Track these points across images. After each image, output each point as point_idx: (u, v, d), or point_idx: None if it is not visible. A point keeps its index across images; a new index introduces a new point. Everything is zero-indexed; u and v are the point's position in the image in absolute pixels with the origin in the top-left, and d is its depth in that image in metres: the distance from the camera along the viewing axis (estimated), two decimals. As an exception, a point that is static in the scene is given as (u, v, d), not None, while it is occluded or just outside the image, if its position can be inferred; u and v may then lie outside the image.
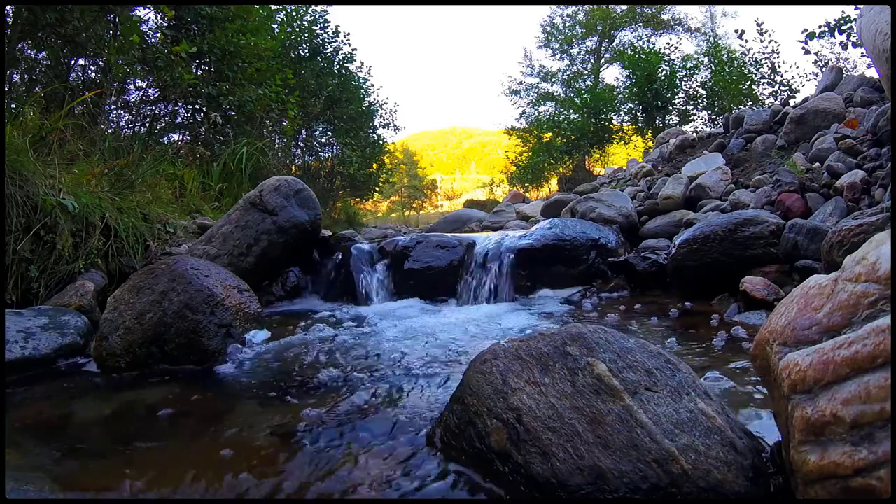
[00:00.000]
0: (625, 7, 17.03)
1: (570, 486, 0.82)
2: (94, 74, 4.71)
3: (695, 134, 6.69)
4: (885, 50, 2.13)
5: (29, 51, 4.31)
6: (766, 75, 9.99)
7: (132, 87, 5.04)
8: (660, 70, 11.87)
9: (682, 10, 17.49)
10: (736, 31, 9.84)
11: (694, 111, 12.22)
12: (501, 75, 43.14)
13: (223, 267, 2.26)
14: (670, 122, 12.22)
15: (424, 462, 1.01)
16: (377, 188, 12.07)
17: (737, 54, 11.10)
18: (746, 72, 10.48)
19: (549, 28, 18.15)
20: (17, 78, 4.19)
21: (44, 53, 4.42)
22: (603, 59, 17.83)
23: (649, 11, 17.12)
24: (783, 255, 2.22)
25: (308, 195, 3.06)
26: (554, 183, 13.63)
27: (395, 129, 12.25)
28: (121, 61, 4.28)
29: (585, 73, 17.55)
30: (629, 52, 13.62)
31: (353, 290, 2.90)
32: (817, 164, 3.06)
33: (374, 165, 11.49)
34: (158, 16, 4.95)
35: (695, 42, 16.80)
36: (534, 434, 0.88)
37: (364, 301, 2.85)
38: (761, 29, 9.70)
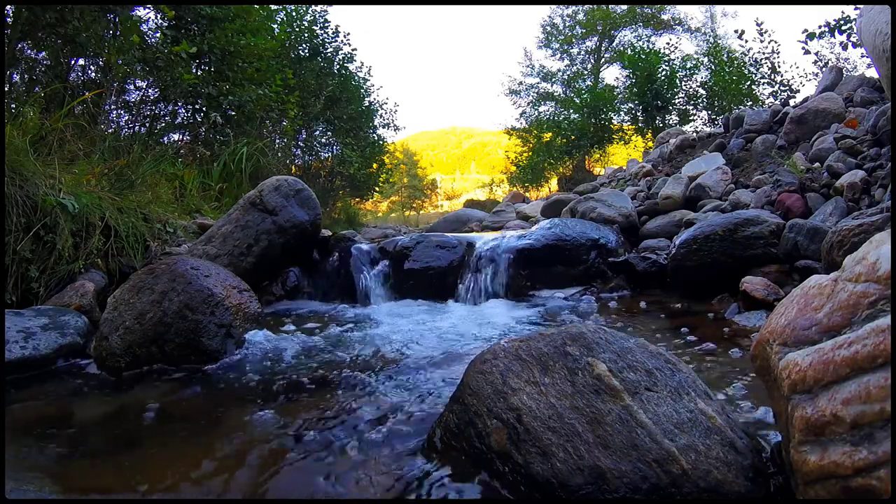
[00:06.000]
0: (625, 7, 17.03)
1: (571, 486, 0.82)
2: (94, 74, 4.71)
3: (695, 134, 6.68)
4: (885, 50, 2.13)
5: (29, 51, 4.30)
6: (766, 75, 9.99)
7: (132, 87, 5.04)
8: (660, 70, 11.87)
9: (682, 10, 17.50)
10: (736, 31, 9.85)
11: (694, 111, 12.24)
12: (501, 75, 43.12)
13: (223, 267, 2.26)
14: (670, 122, 12.22)
15: (424, 462, 1.01)
16: (377, 188, 12.08)
17: (737, 54, 11.10)
18: (746, 72, 10.48)
19: (549, 28, 18.15)
20: (17, 78, 4.19)
21: (44, 53, 4.41)
22: (603, 59, 17.83)
23: (649, 11, 17.11)
24: (783, 255, 2.22)
25: (308, 195, 3.06)
26: (554, 183, 13.63)
27: (395, 129, 12.28)
28: (121, 61, 4.28)
29: (585, 73, 17.54)
30: (629, 52, 13.61)
31: (352, 290, 2.90)
32: (817, 164, 3.06)
33: (374, 165, 11.50)
34: (158, 16, 4.95)
35: (695, 42, 16.82)
36: (534, 434, 0.88)
37: (364, 301, 2.84)
38: (761, 29, 9.70)
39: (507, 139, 15.81)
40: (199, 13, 5.33)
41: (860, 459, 0.62)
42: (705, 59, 12.48)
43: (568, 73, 17.63)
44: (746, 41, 10.15)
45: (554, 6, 18.02)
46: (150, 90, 5.14)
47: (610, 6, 17.04)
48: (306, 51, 9.93)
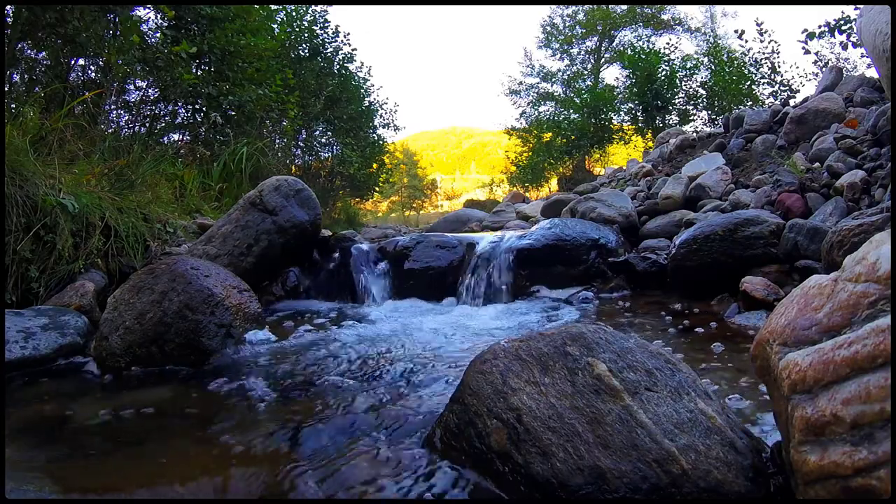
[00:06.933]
0: (625, 7, 17.04)
1: (571, 486, 0.82)
2: (94, 74, 4.71)
3: (695, 134, 6.68)
4: (885, 50, 2.13)
5: (29, 51, 4.30)
6: (766, 75, 9.99)
7: (132, 87, 5.04)
8: (660, 70, 11.87)
9: (682, 10, 17.51)
10: (736, 31, 9.85)
11: (694, 111, 12.24)
12: (501, 75, 43.08)
13: (223, 267, 2.26)
14: (670, 122, 12.23)
15: (424, 462, 1.00)
16: (377, 188, 12.09)
17: (737, 54, 11.11)
18: (746, 72, 10.48)
19: (549, 28, 18.16)
20: (17, 78, 4.19)
21: (44, 53, 4.41)
22: (603, 59, 17.84)
23: (649, 11, 17.12)
24: (783, 255, 2.22)
25: (308, 195, 3.06)
26: (554, 183, 13.63)
27: (395, 129, 12.29)
28: (121, 61, 4.28)
29: (585, 73, 17.54)
30: (629, 52, 13.62)
31: (352, 290, 2.90)
32: (817, 164, 3.06)
33: (374, 165, 11.51)
34: (158, 16, 4.95)
35: (695, 42, 16.83)
36: (534, 434, 0.88)
37: (364, 301, 2.84)
38: (761, 29, 9.70)
39: (507, 139, 15.81)
40: (199, 13, 5.33)
41: (860, 459, 0.62)
42: (705, 59, 12.49)
43: (568, 73, 17.64)
44: (746, 41, 10.16)
45: (554, 6, 18.06)
46: (150, 90, 5.14)
47: (610, 6, 17.05)
48: (306, 51, 9.93)
